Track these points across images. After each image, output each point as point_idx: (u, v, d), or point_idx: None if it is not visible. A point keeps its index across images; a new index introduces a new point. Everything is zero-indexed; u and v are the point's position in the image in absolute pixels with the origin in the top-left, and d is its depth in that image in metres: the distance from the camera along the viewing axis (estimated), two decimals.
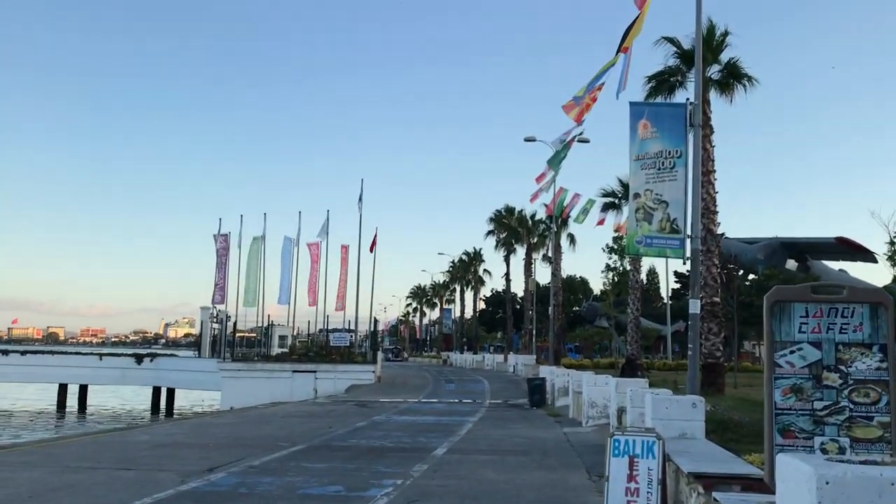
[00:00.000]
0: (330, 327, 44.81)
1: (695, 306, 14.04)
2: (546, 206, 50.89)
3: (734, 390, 21.57)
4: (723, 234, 20.35)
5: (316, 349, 39.46)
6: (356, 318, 43.59)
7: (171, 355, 56.94)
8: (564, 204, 43.78)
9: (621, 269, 41.28)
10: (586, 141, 38.24)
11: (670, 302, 56.57)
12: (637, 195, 14.15)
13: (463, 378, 44.15)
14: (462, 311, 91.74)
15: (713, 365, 19.89)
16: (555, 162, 29.31)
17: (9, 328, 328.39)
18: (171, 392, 50.05)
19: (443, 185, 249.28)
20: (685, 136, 14.22)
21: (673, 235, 14.30)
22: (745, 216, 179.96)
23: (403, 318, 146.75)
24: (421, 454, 13.23)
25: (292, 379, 37.28)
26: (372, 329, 41.88)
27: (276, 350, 48.94)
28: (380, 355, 42.77)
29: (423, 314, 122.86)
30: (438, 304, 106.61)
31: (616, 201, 33.83)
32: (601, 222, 43.24)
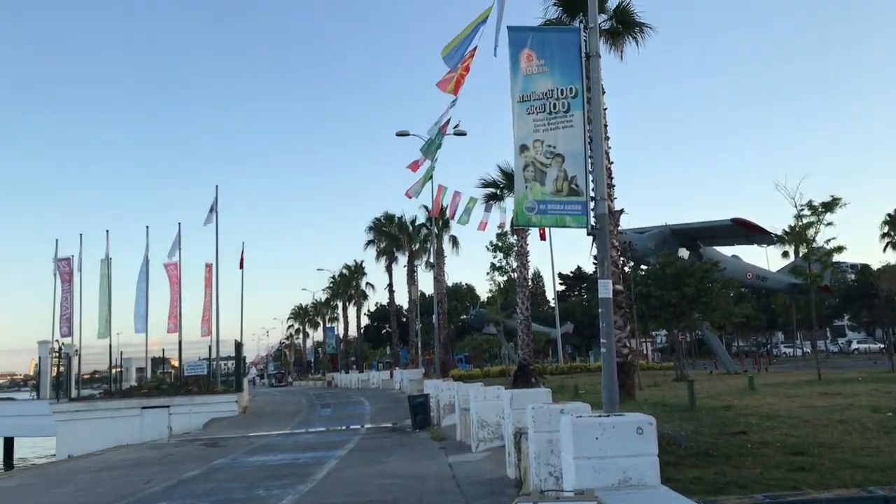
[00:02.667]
0: (199, 356, 39.72)
1: (606, 289, 10.74)
2: (427, 209, 47.71)
3: (641, 392, 18.70)
4: (622, 211, 17.68)
5: (170, 381, 34.37)
6: (218, 343, 38.67)
7: (8, 399, 49.72)
8: (445, 204, 40.63)
9: (508, 267, 38.41)
10: (463, 133, 35.19)
11: (556, 303, 54.36)
12: (524, 147, 10.78)
13: (342, 401, 39.99)
14: (346, 329, 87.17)
15: (620, 365, 16.88)
16: (429, 150, 25.90)
17: None
18: (9, 441, 43.39)
19: (317, 198, 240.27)
20: (580, 71, 10.97)
21: (573, 198, 10.99)
22: (633, 201, 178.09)
23: (287, 341, 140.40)
24: None
25: (141, 417, 32.09)
26: (235, 354, 37.12)
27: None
28: (246, 383, 38.08)
29: (305, 335, 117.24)
30: (321, 323, 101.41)
31: (498, 192, 30.83)
32: (484, 225, 40.33)
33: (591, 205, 11.18)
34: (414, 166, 30.48)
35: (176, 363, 40.85)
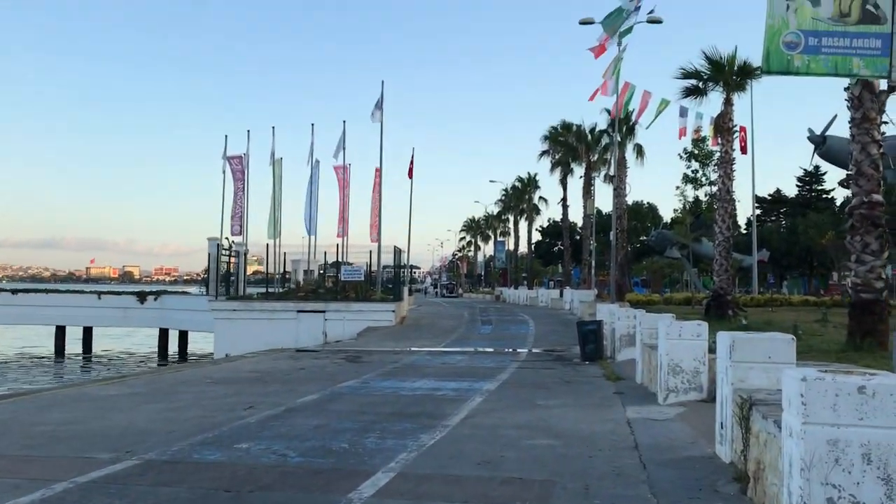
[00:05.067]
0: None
1: None
2: (609, 112, 42.71)
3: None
4: (893, 90, 12.63)
5: (327, 286, 32.89)
6: (380, 249, 36.76)
7: (183, 293, 51.34)
8: (632, 107, 35.60)
9: (704, 179, 33.11)
10: (658, 21, 29.91)
11: (755, 225, 47.93)
12: None
13: (505, 318, 37.13)
14: (517, 244, 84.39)
15: (869, 303, 12.37)
16: (614, 23, 21.32)
17: (87, 268, 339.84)
18: (183, 335, 44.74)
19: (491, 105, 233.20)
20: None
21: (867, 28, 6.66)
22: None
23: (460, 253, 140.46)
24: (327, 495, 6.34)
25: (297, 321, 30.93)
26: (394, 261, 35.03)
27: None
28: (407, 292, 36.07)
29: (477, 248, 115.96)
30: (493, 237, 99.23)
31: (702, 84, 25.56)
32: (682, 131, 34.94)
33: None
34: (598, 50, 25.93)
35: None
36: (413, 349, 22.15)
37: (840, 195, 77.67)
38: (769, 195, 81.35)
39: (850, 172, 12.81)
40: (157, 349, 44.00)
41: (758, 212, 79.55)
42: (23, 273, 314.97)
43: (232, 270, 41.82)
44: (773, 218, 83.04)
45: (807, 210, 73.48)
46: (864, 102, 11.98)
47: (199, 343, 43.97)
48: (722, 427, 7.92)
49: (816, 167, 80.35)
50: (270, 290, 36.37)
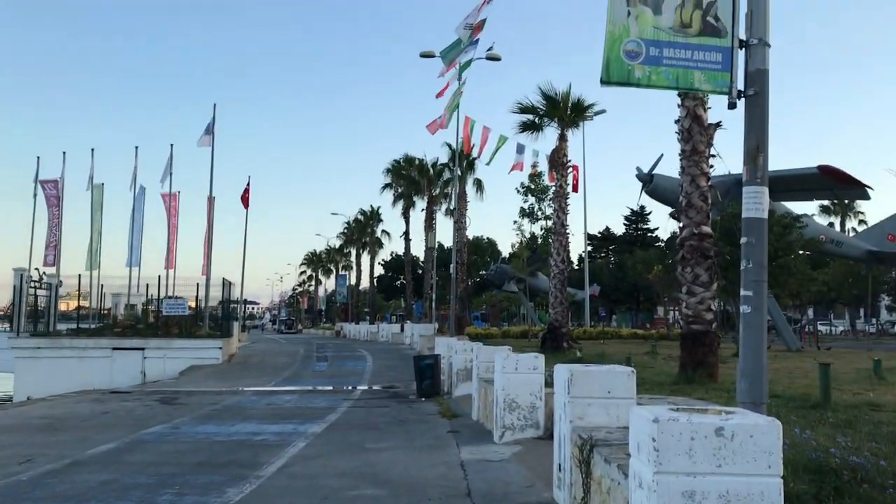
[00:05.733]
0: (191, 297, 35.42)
1: (758, 202, 6.37)
2: (450, 147, 42.91)
3: (732, 371, 14.03)
4: (718, 124, 12.93)
5: (146, 321, 30.32)
6: (208, 282, 34.49)
7: None
8: (473, 142, 35.82)
9: (539, 213, 33.69)
10: (496, 58, 30.30)
11: (587, 260, 49.67)
12: None
13: (343, 354, 35.88)
14: (359, 278, 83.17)
15: (700, 335, 12.42)
16: (452, 54, 21.10)
17: None
18: None
19: (333, 137, 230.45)
20: None
21: (709, 40, 6.39)
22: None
23: (300, 288, 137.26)
24: None
25: (112, 359, 28.21)
26: (222, 294, 32.96)
27: None
28: (237, 328, 34.01)
29: (318, 282, 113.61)
30: (335, 271, 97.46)
31: (537, 119, 25.95)
32: (519, 166, 35.43)
33: (741, 53, 6.53)
34: (441, 93, 25.74)
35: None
36: (238, 389, 20.50)
37: (665, 233, 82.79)
38: (599, 232, 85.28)
39: (680, 205, 12.93)
40: None
41: (588, 248, 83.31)
42: None
43: (40, 304, 37.94)
44: (602, 254, 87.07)
45: (633, 247, 77.54)
46: (694, 135, 12.17)
47: (1, 385, 39.37)
48: (560, 469, 7.27)
49: (642, 207, 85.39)
50: (85, 325, 33.13)
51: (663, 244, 29.01)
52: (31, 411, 16.13)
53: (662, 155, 28.23)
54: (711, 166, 12.78)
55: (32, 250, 39.09)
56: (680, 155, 12.83)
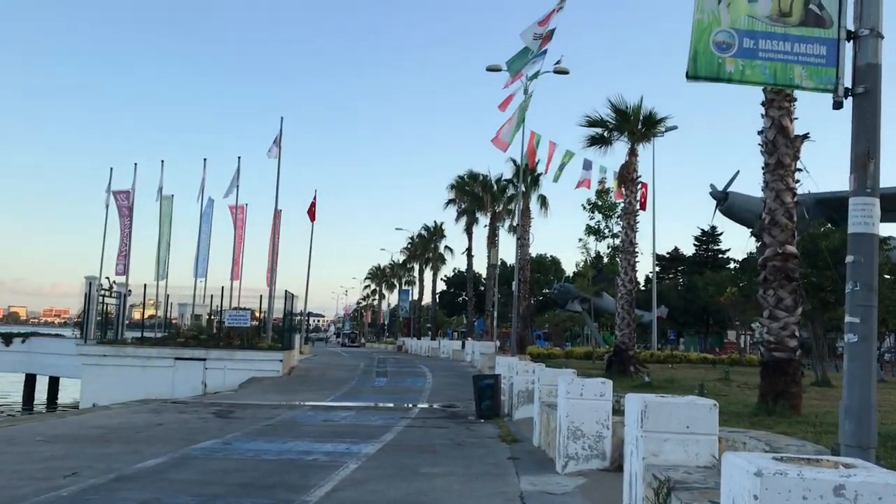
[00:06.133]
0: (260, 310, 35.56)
1: (868, 216, 5.49)
2: (515, 163, 42.31)
3: (814, 403, 12.97)
4: (806, 136, 11.96)
5: (208, 332, 30.47)
6: (272, 294, 34.57)
7: (57, 335, 47.30)
8: (538, 157, 35.21)
9: (606, 231, 32.73)
10: (565, 72, 29.63)
11: (654, 281, 48.21)
12: None
13: (403, 370, 35.42)
14: (421, 293, 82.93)
15: (782, 363, 11.45)
16: (518, 64, 20.52)
17: None
18: (53, 381, 40.93)
19: (399, 152, 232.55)
20: None
21: (811, 31, 5.61)
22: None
23: (364, 302, 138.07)
24: None
25: (174, 369, 28.40)
26: (284, 306, 32.96)
27: None
28: (298, 340, 33.94)
29: (381, 296, 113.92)
30: (398, 286, 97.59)
31: (606, 133, 25.12)
32: (586, 183, 34.58)
33: (848, 46, 5.72)
34: (504, 104, 25.20)
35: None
36: (295, 403, 20.19)
37: (738, 253, 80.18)
38: (667, 253, 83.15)
39: (762, 222, 12.05)
40: (21, 397, 39.97)
41: (656, 269, 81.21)
42: None
43: (109, 311, 38.66)
44: (671, 275, 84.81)
45: (704, 268, 75.24)
46: (779, 147, 11.30)
47: (72, 391, 40.25)
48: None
49: (713, 227, 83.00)
50: (150, 335, 33.54)
51: (737, 265, 27.70)
52: (88, 420, 16.08)
53: (738, 171, 27.11)
54: (797, 181, 11.88)
55: (104, 259, 39.99)
56: (763, 168, 11.96)
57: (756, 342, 74.90)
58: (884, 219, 23.28)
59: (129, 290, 41.23)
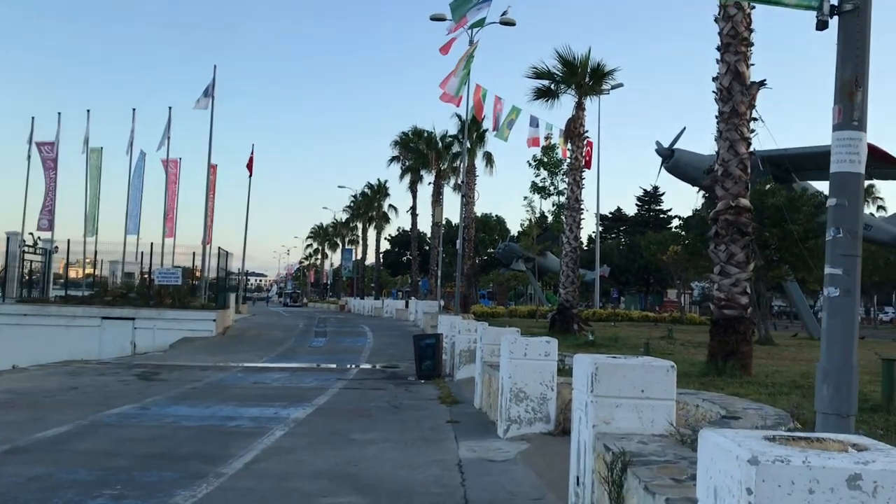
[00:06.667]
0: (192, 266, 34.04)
1: (855, 153, 4.66)
2: (460, 118, 41.33)
3: (761, 362, 12.57)
4: (762, 83, 11.41)
5: (138, 290, 29.10)
6: (204, 251, 33.20)
7: None
8: (483, 113, 34.39)
9: (552, 189, 32.19)
10: (511, 23, 28.70)
11: (598, 239, 48.18)
12: None
13: (344, 329, 34.62)
14: (364, 253, 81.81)
15: (733, 320, 11.02)
16: (461, 8, 19.55)
17: None
18: None
19: (342, 107, 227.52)
20: None
21: None
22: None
23: (306, 261, 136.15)
24: None
25: (101, 329, 27.03)
26: (217, 264, 31.66)
27: None
28: (233, 299, 32.75)
29: (324, 256, 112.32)
30: (340, 245, 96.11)
31: (553, 86, 24.33)
32: (533, 141, 33.83)
33: None
34: (446, 47, 24.18)
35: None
36: (227, 364, 19.24)
37: (681, 212, 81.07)
38: (610, 213, 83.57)
39: (715, 174, 11.50)
40: None
41: (600, 228, 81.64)
42: None
43: (34, 270, 36.76)
44: (613, 235, 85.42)
45: (645, 228, 75.91)
46: (734, 95, 10.71)
47: None
48: (579, 484, 5.89)
49: (655, 187, 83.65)
50: (77, 293, 31.98)
51: (681, 222, 27.47)
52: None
53: (685, 128, 26.79)
54: (753, 131, 11.35)
55: (26, 214, 37.93)
56: (717, 117, 11.39)
57: (696, 301, 76.25)
58: (818, 177, 22.92)
59: (56, 247, 39.28)
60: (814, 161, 24.38)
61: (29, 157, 38.09)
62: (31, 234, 41.68)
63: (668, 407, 5.64)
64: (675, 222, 73.69)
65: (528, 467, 7.83)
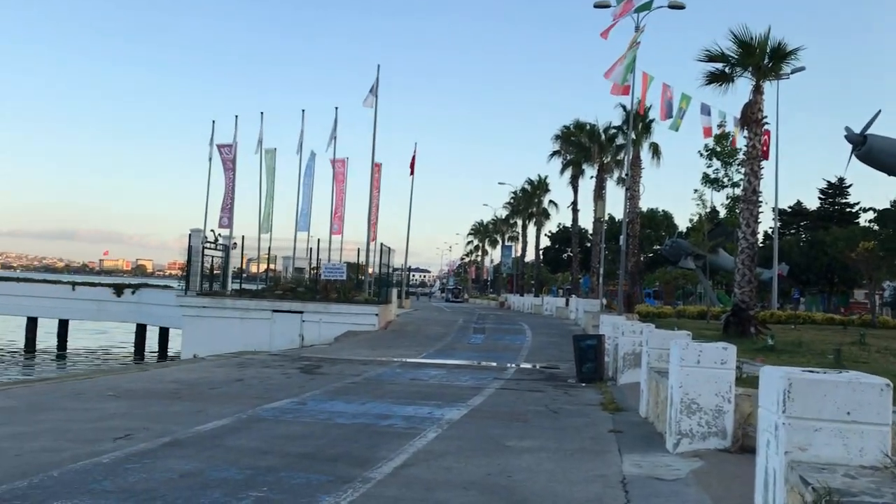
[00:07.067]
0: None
1: None
2: (624, 108, 39.71)
3: None
4: None
5: (306, 285, 30.11)
6: (368, 247, 33.90)
7: (166, 286, 48.55)
8: (648, 103, 32.97)
9: (725, 180, 30.06)
10: (680, 6, 27.09)
11: (776, 235, 44.77)
12: None
13: (503, 327, 34.20)
14: (524, 249, 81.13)
15: None
16: None
17: (100, 259, 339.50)
18: (164, 332, 42.05)
19: (503, 103, 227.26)
20: None
21: None
22: None
23: (467, 258, 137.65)
24: None
25: (272, 321, 28.23)
26: (379, 260, 32.18)
27: None
28: (395, 295, 33.21)
29: (485, 252, 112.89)
30: (500, 242, 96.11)
31: (727, 69, 22.48)
32: (705, 131, 31.79)
33: None
34: (606, 32, 23.08)
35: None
36: (385, 359, 19.31)
37: (872, 205, 74.22)
38: (789, 207, 77.83)
39: None
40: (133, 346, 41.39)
41: (778, 223, 76.27)
42: (37, 262, 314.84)
43: (214, 264, 39.09)
44: (792, 231, 79.62)
45: (829, 224, 70.11)
46: None
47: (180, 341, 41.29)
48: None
49: (841, 179, 76.98)
50: (248, 287, 33.64)
51: (875, 215, 24.44)
52: (167, 374, 15.63)
53: (880, 111, 23.88)
54: None
55: (208, 212, 40.45)
56: None
57: (887, 302, 69.45)
58: None
59: (235, 243, 41.66)
60: None
61: (210, 158, 40.53)
62: (212, 230, 44.48)
63: (881, 434, 4.63)
64: (866, 216, 67.43)
65: (702, 490, 6.93)
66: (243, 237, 35.77)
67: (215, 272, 38.22)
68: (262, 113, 39.55)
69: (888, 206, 33.21)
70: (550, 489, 6.90)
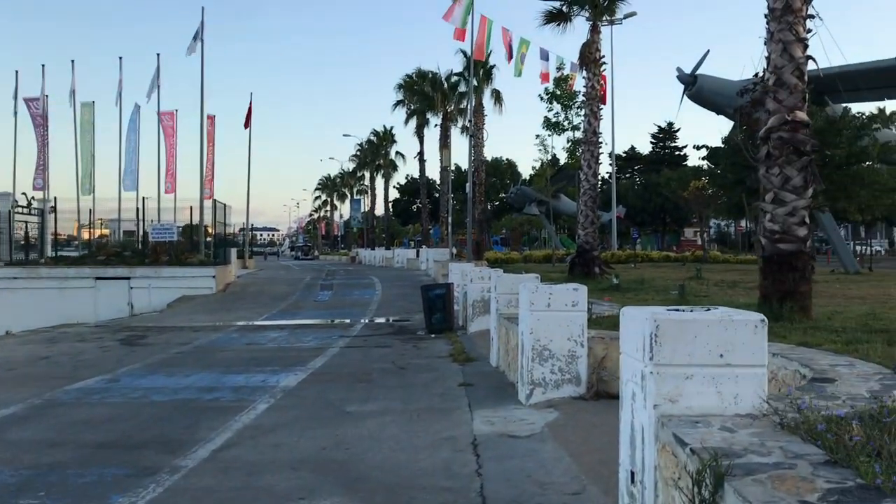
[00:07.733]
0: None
1: None
2: (465, 55, 39.14)
3: (821, 303, 10.88)
4: None
5: (133, 248, 27.69)
6: (202, 205, 31.63)
7: None
8: (488, 48, 32.51)
9: (566, 123, 30.27)
10: None
11: (614, 178, 46.23)
12: None
13: (351, 282, 33.19)
14: (373, 202, 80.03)
15: (789, 255, 9.34)
16: None
17: None
18: None
19: (344, 51, 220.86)
20: None
21: None
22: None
23: (316, 214, 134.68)
24: None
25: (96, 290, 25.70)
26: (212, 218, 30.11)
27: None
28: (235, 254, 31.29)
29: (333, 208, 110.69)
30: (349, 196, 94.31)
31: (564, 7, 22.20)
32: (546, 76, 31.72)
33: None
34: None
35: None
36: (222, 324, 17.86)
37: (693, 156, 78.64)
38: (623, 152, 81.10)
39: (766, 83, 9.73)
40: None
41: (615, 167, 79.17)
42: None
43: (30, 231, 35.34)
44: (627, 175, 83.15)
45: (660, 167, 73.67)
46: None
47: None
48: (634, 482, 4.34)
49: (670, 124, 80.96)
50: (71, 253, 30.65)
51: (706, 153, 25.21)
52: None
53: (708, 51, 24.61)
54: (809, 30, 9.51)
55: (16, 174, 36.51)
56: (767, 16, 9.57)
57: (713, 239, 74.21)
58: (878, 96, 20.82)
59: (52, 207, 37.93)
60: (858, 79, 21.99)
61: (15, 113, 36.45)
62: (23, 194, 40.28)
63: (757, 377, 4.05)
64: (694, 158, 71.36)
65: (559, 445, 6.32)
66: (55, 199, 32.44)
67: (32, 240, 34.63)
68: (73, 61, 35.90)
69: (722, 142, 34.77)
70: (393, 460, 6.06)
